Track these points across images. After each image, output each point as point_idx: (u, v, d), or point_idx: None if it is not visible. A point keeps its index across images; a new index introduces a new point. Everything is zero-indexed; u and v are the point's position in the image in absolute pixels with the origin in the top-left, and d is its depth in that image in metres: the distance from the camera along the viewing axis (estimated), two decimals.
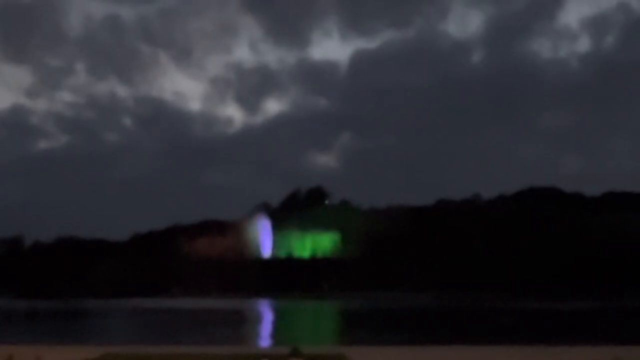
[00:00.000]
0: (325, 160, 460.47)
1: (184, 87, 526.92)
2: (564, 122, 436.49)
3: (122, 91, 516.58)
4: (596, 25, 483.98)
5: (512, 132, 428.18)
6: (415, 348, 38.08)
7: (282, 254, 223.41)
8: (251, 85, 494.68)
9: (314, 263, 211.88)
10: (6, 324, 72.19)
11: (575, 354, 33.60)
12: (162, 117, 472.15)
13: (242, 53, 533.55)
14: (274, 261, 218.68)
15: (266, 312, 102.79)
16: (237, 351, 32.50)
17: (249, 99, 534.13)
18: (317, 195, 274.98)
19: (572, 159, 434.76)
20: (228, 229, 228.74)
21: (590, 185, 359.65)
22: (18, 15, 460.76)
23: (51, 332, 57.04)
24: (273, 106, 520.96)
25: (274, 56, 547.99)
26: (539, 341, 43.42)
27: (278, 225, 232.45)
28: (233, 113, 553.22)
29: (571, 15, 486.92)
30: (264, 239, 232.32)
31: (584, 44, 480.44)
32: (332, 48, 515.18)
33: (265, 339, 52.45)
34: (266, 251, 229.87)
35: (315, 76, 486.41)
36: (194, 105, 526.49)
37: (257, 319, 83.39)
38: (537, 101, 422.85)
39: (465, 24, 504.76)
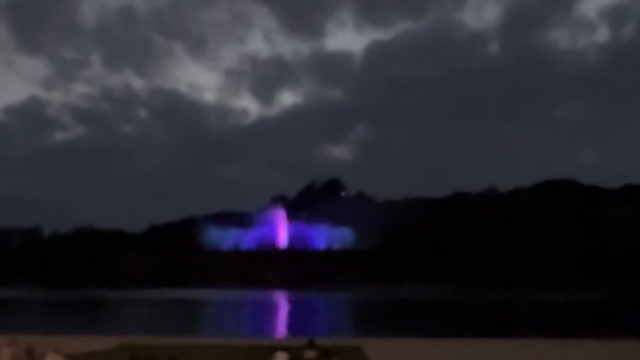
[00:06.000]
0: (340, 152, 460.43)
1: (198, 79, 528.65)
2: (582, 114, 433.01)
3: (136, 83, 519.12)
4: (615, 15, 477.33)
5: (529, 124, 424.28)
6: (430, 340, 38.16)
7: (297, 245, 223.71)
8: (266, 77, 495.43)
9: (330, 255, 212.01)
10: (25, 314, 73.10)
11: (594, 347, 33.48)
12: (177, 109, 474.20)
13: (257, 44, 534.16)
14: (289, 253, 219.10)
15: (282, 304, 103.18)
16: (253, 342, 32.73)
17: (264, 90, 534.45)
18: (333, 187, 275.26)
19: (590, 151, 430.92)
20: (244, 220, 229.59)
21: (608, 177, 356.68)
22: (33, 7, 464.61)
23: (69, 322, 57.71)
24: (288, 98, 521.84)
25: (289, 47, 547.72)
26: (554, 334, 43.25)
27: (294, 217, 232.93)
28: (248, 104, 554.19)
29: (589, 5, 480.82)
30: (279, 230, 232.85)
31: (602, 35, 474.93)
32: (347, 39, 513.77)
33: (281, 331, 52.73)
34: (282, 243, 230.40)
35: (330, 67, 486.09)
36: (209, 96, 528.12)
37: (273, 310, 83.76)
38: (555, 92, 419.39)
39: (481, 14, 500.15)
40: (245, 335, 41.73)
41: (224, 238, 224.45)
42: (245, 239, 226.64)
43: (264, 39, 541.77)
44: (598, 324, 59.12)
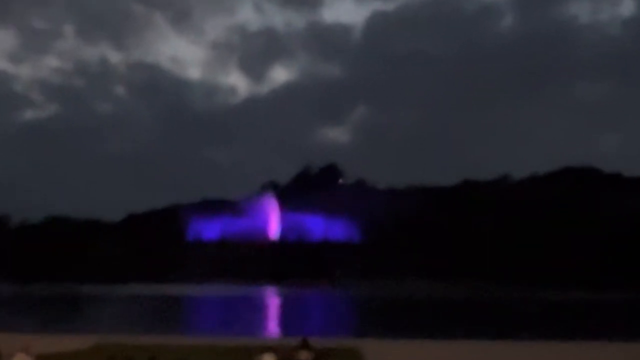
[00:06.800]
0: (338, 135, 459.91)
1: (182, 53, 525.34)
2: (604, 95, 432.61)
3: (114, 57, 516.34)
4: None
5: (546, 106, 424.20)
6: (432, 342, 38.44)
7: (290, 237, 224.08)
8: (256, 51, 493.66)
9: (326, 248, 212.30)
10: None
11: (611, 351, 33.80)
12: (158, 86, 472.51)
13: (246, 15, 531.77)
14: (281, 245, 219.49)
15: (273, 300, 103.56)
16: (241, 343, 32.95)
17: (254, 66, 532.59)
18: (330, 173, 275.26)
19: (612, 135, 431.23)
20: (232, 209, 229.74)
21: (630, 165, 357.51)
22: None
23: (39, 319, 57.86)
24: (280, 74, 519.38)
25: (282, 19, 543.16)
26: (570, 336, 43.56)
27: (287, 205, 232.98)
28: (236, 82, 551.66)
29: None
30: (270, 220, 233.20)
31: (627, 7, 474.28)
32: (346, 10, 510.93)
33: (272, 330, 52.98)
34: (273, 234, 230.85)
35: (327, 41, 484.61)
36: (194, 72, 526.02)
37: (263, 308, 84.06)
38: (574, 71, 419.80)
39: None
40: (232, 335, 41.95)
41: (210, 228, 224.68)
42: (232, 229, 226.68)
43: (254, 9, 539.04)
44: (620, 324, 59.42)
